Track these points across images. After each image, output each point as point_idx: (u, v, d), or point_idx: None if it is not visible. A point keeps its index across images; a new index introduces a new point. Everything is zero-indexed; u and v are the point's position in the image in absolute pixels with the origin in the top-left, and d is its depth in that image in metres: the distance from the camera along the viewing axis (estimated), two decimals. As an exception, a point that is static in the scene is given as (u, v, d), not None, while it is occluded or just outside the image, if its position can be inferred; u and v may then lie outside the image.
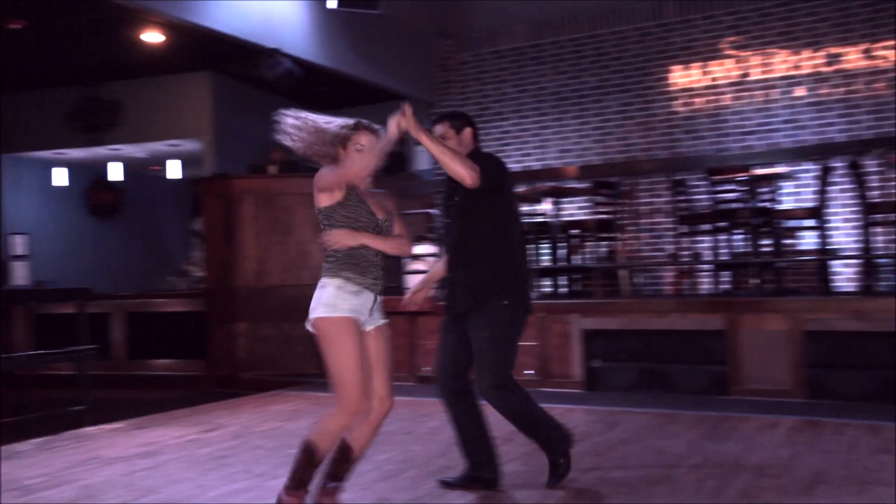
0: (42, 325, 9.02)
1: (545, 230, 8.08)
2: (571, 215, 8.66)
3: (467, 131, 3.78)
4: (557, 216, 8.16)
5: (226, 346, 7.63)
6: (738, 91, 8.30)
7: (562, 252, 8.16)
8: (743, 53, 8.29)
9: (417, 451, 4.63)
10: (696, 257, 8.00)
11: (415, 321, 7.36)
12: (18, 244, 9.99)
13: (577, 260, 8.37)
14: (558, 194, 8.25)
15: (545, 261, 8.24)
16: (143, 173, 11.41)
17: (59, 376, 7.72)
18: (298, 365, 7.49)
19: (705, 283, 8.05)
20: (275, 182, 7.78)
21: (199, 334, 7.89)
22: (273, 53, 7.32)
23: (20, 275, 9.91)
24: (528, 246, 3.92)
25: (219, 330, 7.68)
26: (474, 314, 3.69)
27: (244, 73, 8.95)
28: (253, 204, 7.68)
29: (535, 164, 9.18)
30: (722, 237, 7.52)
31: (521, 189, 8.18)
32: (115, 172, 10.28)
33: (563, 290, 8.30)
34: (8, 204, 9.96)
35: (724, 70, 8.36)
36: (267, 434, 5.25)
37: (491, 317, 3.66)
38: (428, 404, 5.66)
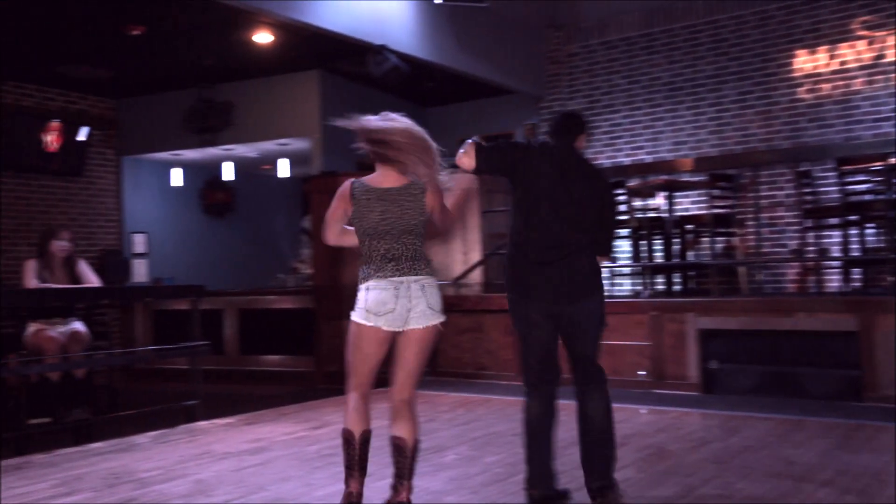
0: (158, 321, 9.33)
1: (658, 225, 7.81)
2: (686, 210, 8.33)
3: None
4: (671, 211, 7.86)
5: (333, 343, 7.66)
6: (870, 75, 7.73)
7: (676, 248, 7.87)
8: (877, 34, 7.70)
9: (527, 455, 4.46)
10: (823, 253, 7.53)
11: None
12: (139, 242, 10.38)
13: (691, 256, 8.05)
14: (672, 188, 7.94)
15: (658, 257, 7.96)
16: (254, 172, 11.66)
17: (174, 370, 7.95)
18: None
19: (833, 281, 7.56)
20: (381, 179, 7.75)
21: (308, 331, 7.97)
22: (380, 50, 7.30)
23: (140, 272, 10.29)
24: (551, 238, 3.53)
25: (327, 326, 7.72)
26: None
27: (352, 70, 8.99)
28: (360, 201, 7.68)
29: (647, 158, 8.84)
30: (853, 231, 7.05)
31: (632, 183, 7.92)
32: (228, 172, 10.53)
33: (678, 287, 8.00)
34: (129, 204, 10.37)
35: (854, 53, 7.81)
36: (373, 433, 5.19)
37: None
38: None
